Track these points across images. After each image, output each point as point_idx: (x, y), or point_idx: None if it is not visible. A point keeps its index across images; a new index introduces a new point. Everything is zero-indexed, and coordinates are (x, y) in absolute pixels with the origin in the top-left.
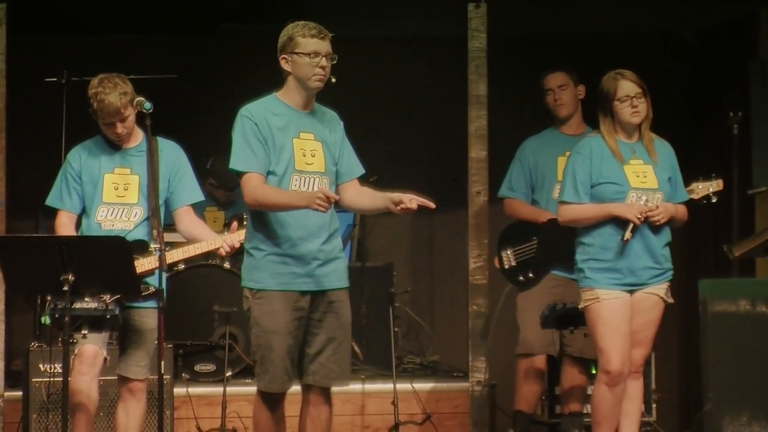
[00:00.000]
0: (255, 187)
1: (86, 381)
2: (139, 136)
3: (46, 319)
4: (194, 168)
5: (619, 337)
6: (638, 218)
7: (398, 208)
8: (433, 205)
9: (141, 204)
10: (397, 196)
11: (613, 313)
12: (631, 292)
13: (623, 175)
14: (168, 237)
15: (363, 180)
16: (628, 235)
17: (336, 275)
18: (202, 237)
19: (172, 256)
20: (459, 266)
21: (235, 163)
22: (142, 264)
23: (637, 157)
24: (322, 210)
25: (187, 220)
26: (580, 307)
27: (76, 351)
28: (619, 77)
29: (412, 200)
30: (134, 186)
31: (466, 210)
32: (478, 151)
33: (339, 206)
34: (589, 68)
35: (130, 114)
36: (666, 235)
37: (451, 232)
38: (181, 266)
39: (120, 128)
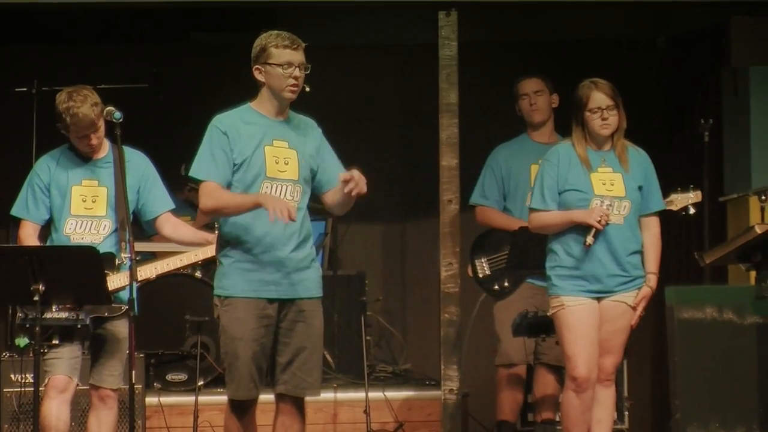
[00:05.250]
0: (211, 192)
1: (55, 404)
2: (106, 147)
3: (21, 342)
4: (167, 177)
5: (585, 344)
6: (598, 222)
7: (346, 191)
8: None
9: (109, 216)
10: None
11: (578, 320)
12: (598, 299)
13: (588, 183)
14: (141, 247)
15: None
16: (589, 239)
17: (306, 284)
18: (191, 238)
19: (168, 265)
20: (431, 275)
21: (195, 170)
22: (114, 281)
23: (607, 165)
24: (276, 215)
25: (170, 225)
26: (549, 314)
27: (47, 380)
28: (593, 87)
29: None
30: (102, 198)
31: (437, 218)
32: (449, 159)
33: (326, 209)
34: (561, 76)
35: (102, 124)
36: (633, 243)
37: (422, 240)
38: (153, 276)
39: (94, 139)
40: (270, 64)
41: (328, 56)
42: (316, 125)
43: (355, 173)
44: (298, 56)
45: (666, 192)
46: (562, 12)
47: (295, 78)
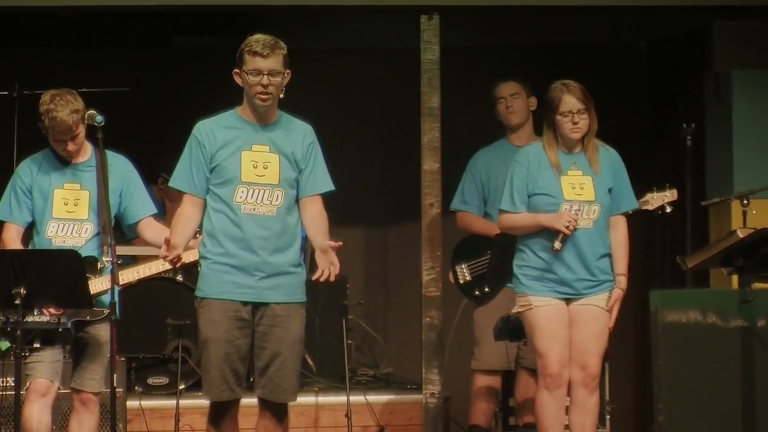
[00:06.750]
0: (178, 214)
1: (36, 408)
2: (88, 151)
3: (2, 345)
4: (147, 180)
5: (556, 341)
6: (566, 227)
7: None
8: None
9: (91, 220)
10: (322, 257)
11: (548, 319)
12: (567, 301)
13: (558, 187)
14: (122, 251)
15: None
16: (557, 245)
17: (283, 289)
18: None
19: (150, 269)
20: (412, 278)
21: (174, 180)
22: (96, 284)
23: (577, 167)
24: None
25: (151, 229)
26: (512, 311)
27: (28, 384)
28: (564, 90)
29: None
30: (84, 201)
31: (419, 222)
32: (430, 164)
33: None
34: (544, 80)
35: (81, 131)
36: (601, 247)
37: (404, 244)
38: (134, 279)
39: (71, 146)
40: (243, 70)
41: (309, 60)
42: (308, 133)
43: (323, 266)
44: (267, 63)
45: (642, 192)
46: (545, 16)
47: (263, 86)
